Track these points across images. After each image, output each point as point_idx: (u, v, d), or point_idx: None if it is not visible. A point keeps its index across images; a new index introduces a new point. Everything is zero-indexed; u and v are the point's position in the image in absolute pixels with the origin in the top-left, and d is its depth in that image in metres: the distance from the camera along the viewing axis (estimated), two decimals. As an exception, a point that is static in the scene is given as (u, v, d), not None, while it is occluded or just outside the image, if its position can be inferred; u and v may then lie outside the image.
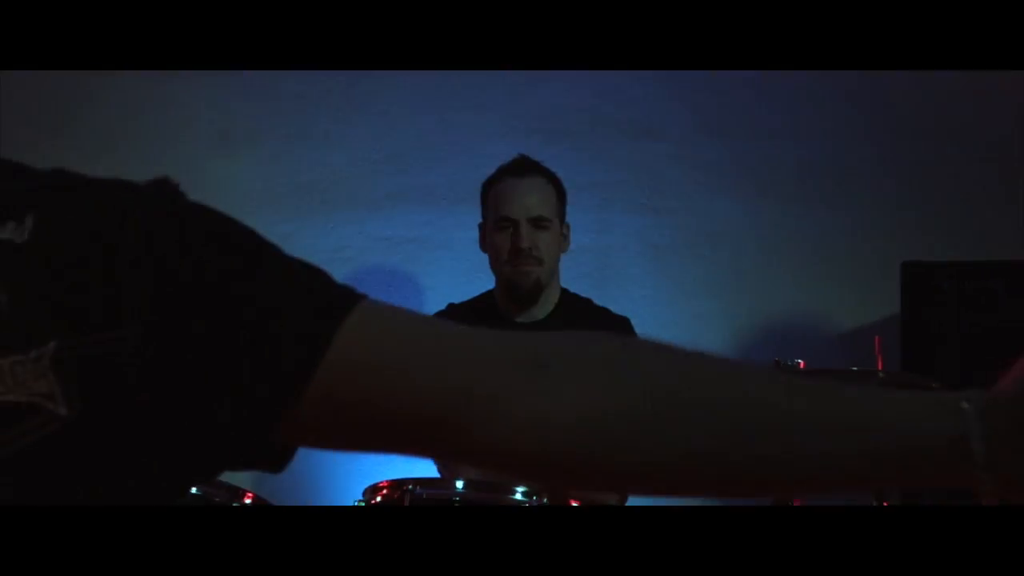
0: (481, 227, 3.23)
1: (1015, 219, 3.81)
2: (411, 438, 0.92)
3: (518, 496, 2.17)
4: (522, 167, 3.20)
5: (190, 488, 0.95)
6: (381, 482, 2.24)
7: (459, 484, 2.23)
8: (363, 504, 2.18)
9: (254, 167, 3.84)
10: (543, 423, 0.87)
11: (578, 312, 3.18)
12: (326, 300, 0.91)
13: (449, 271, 3.74)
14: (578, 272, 3.50)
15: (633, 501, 2.97)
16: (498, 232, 3.14)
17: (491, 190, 3.21)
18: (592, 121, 4.06)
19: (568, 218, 3.29)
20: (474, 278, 3.31)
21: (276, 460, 0.93)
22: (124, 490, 0.85)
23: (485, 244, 3.20)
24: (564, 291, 3.25)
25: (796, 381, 0.94)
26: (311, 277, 0.92)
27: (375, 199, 3.86)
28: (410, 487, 2.15)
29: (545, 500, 2.13)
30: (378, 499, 2.18)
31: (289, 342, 0.88)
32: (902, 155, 3.95)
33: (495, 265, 3.16)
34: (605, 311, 3.16)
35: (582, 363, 0.90)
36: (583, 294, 3.31)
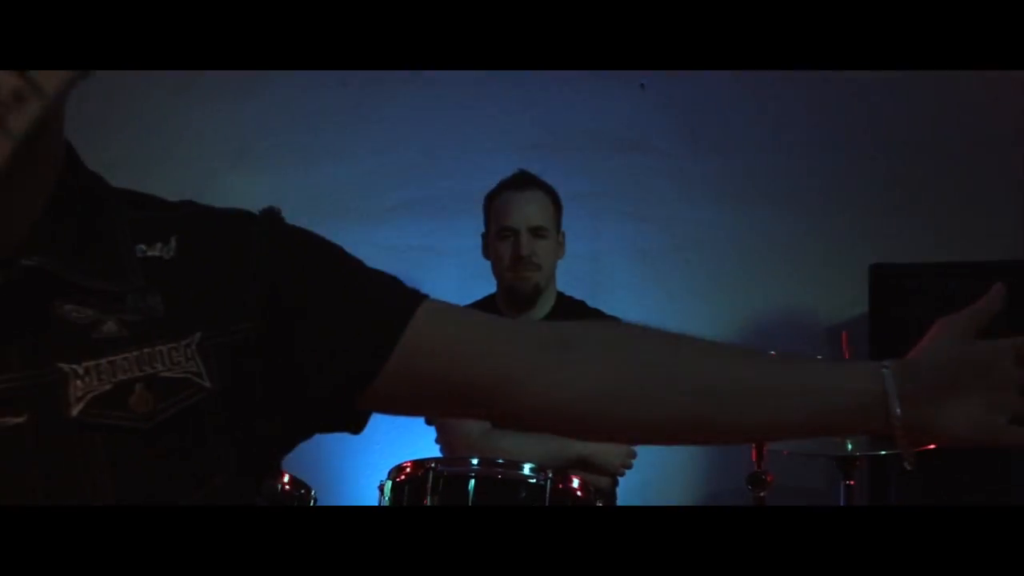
0: (484, 236, 3.32)
1: (976, 223, 3.93)
2: (468, 402, 1.19)
3: (525, 471, 2.35)
4: (522, 181, 3.30)
5: (294, 446, 1.20)
6: (405, 462, 2.41)
7: (474, 461, 2.41)
8: (389, 482, 2.37)
9: (270, 181, 3.93)
10: (568, 389, 1.14)
11: (573, 313, 3.24)
12: (399, 299, 1.17)
13: (452, 277, 3.80)
14: (572, 276, 3.55)
15: (631, 497, 3.20)
16: (500, 241, 3.23)
17: (493, 202, 3.31)
18: (584, 136, 4.15)
19: (563, 227, 3.38)
20: (475, 283, 3.40)
21: (357, 424, 1.19)
22: (248, 443, 1.12)
23: (488, 252, 3.29)
24: (560, 294, 3.33)
25: (760, 356, 1.22)
26: (386, 283, 1.19)
27: (382, 210, 3.94)
28: (432, 465, 2.33)
29: (550, 475, 2.31)
30: (403, 477, 2.35)
31: (371, 332, 1.14)
32: (870, 166, 4.04)
33: (497, 271, 3.25)
34: (597, 312, 3.23)
35: (596, 345, 1.18)
36: (577, 296, 3.38)
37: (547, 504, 2.27)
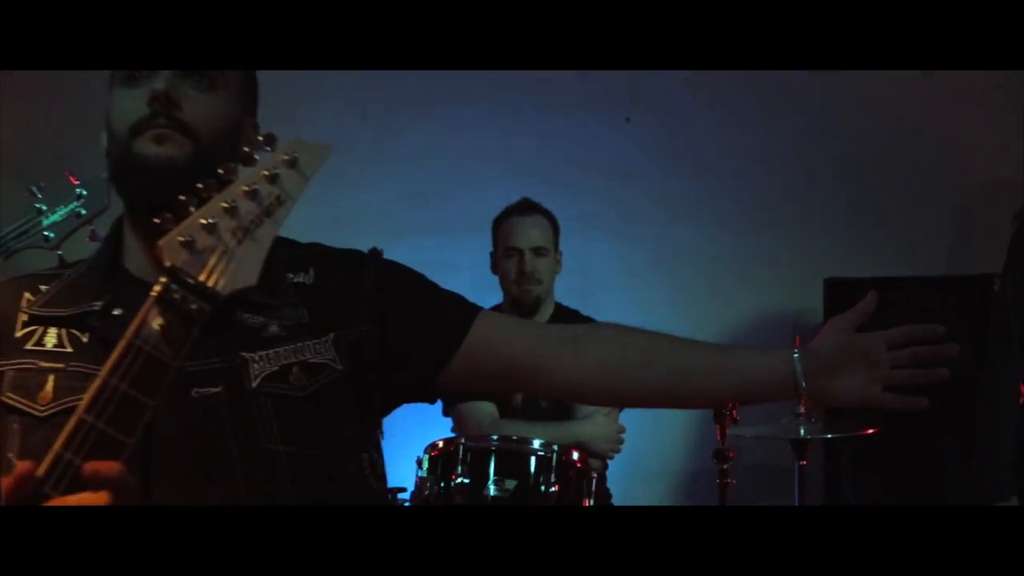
0: (492, 255, 3.60)
1: (918, 242, 4.22)
2: (513, 380, 1.70)
3: (535, 446, 2.74)
4: (525, 207, 3.59)
5: (392, 411, 1.68)
6: (438, 440, 2.81)
7: (494, 437, 2.81)
8: (426, 456, 2.77)
9: (297, 205, 4.20)
10: (583, 371, 1.64)
11: (569, 321, 3.41)
12: (464, 309, 1.67)
13: (460, 290, 4.00)
14: (567, 289, 3.76)
15: (618, 468, 3.45)
16: (506, 259, 3.54)
17: (500, 225, 3.59)
18: (575, 165, 4.37)
19: (559, 246, 3.63)
20: (484, 294, 3.39)
21: (431, 398, 1.69)
22: (365, 408, 1.59)
23: (496, 268, 3.59)
24: (557, 304, 3.60)
25: (713, 347, 1.70)
26: (455, 298, 1.69)
27: (398, 229, 4.07)
28: (461, 441, 2.74)
29: (555, 448, 2.71)
30: (436, 452, 2.75)
31: (445, 332, 1.63)
32: (827, 192, 4.31)
33: (504, 285, 3.54)
34: (589, 319, 3.40)
35: (600, 340, 1.68)
36: (572, 306, 3.63)
37: (553, 469, 2.68)
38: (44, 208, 2.43)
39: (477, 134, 4.35)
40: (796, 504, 3.21)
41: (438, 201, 4.25)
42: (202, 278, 1.19)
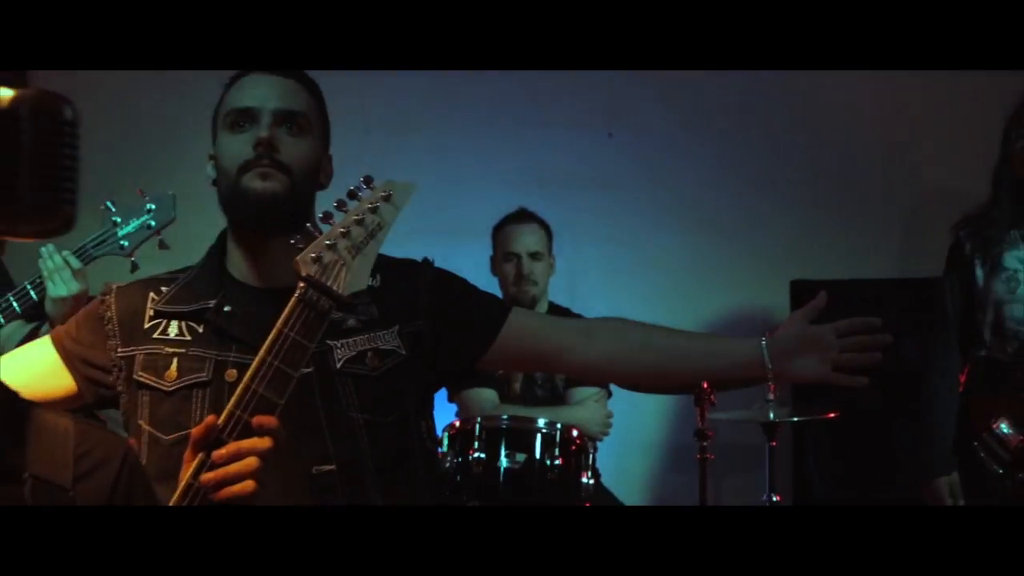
0: (492, 258, 3.89)
1: (876, 246, 4.40)
2: (540, 364, 2.09)
3: (540, 424, 3.07)
4: (522, 216, 3.89)
5: (441, 387, 2.06)
6: (455, 421, 3.13)
7: (504, 416, 3.15)
8: (445, 435, 3.07)
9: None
10: (595, 355, 2.00)
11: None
12: (499, 307, 2.03)
13: None
14: (558, 289, 3.99)
15: (608, 445, 3.66)
16: (506, 263, 3.84)
17: (500, 232, 3.89)
18: (564, 176, 4.55)
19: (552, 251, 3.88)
20: None
21: (474, 377, 2.09)
22: (422, 387, 1.96)
23: (496, 270, 3.88)
24: (551, 303, 3.87)
25: (697, 335, 2.09)
26: (491, 298, 2.06)
27: (403, 234, 3.93)
28: (477, 421, 3.07)
29: (559, 425, 3.04)
30: (454, 431, 3.06)
31: (483, 326, 1.99)
32: (793, 201, 4.50)
33: (503, 286, 3.80)
34: (580, 316, 3.48)
35: (607, 331, 2.04)
36: (563, 304, 3.87)
37: (556, 445, 3.03)
38: (119, 220, 2.72)
39: (476, 148, 4.55)
40: (767, 478, 3.54)
41: (440, 208, 4.26)
42: (329, 283, 1.58)
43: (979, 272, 3.27)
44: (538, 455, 3.08)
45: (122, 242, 2.72)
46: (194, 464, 1.51)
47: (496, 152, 4.58)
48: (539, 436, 3.10)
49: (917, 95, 4.38)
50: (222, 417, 1.52)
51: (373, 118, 4.44)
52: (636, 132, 4.63)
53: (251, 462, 1.50)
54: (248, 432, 1.51)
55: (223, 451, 1.50)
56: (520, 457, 3.05)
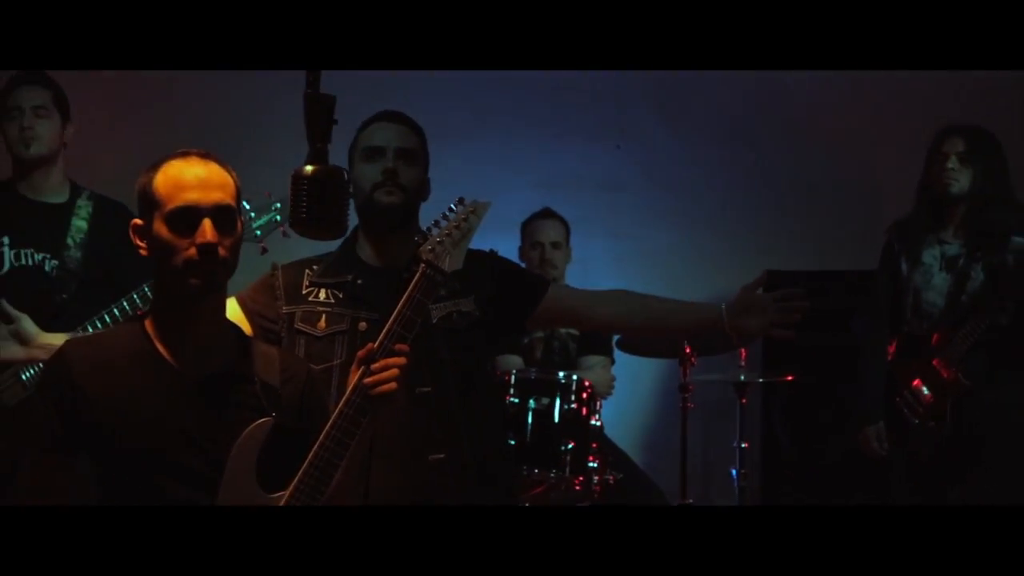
0: (520, 248, 4.55)
1: (849, 240, 4.76)
2: (570, 320, 3.00)
3: (560, 376, 3.78)
4: (546, 213, 4.54)
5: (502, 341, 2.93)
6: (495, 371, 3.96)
7: (532, 369, 3.93)
8: None
9: None
10: (606, 315, 2.88)
11: None
12: (541, 283, 2.88)
13: None
14: (572, 275, 4.48)
15: (611, 400, 4.30)
16: (532, 251, 4.51)
17: (528, 226, 4.56)
18: (577, 180, 5.01)
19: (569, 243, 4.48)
20: None
21: (524, 335, 2.99)
22: (489, 340, 2.81)
23: (523, 258, 4.53)
24: (567, 286, 4.28)
25: (677, 301, 2.89)
26: (535, 276, 2.96)
27: None
28: (513, 371, 3.80)
29: (574, 378, 3.74)
30: (495, 381, 3.82)
31: (531, 296, 2.84)
32: (773, 204, 4.95)
33: (529, 270, 4.26)
34: None
35: (613, 296, 2.88)
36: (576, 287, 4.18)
37: (572, 392, 3.76)
38: (253, 215, 3.26)
39: (504, 155, 5.01)
40: (738, 428, 4.29)
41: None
42: (441, 265, 2.45)
43: (904, 266, 3.93)
44: (558, 400, 3.80)
45: (256, 232, 3.29)
46: (359, 373, 2.28)
47: (522, 159, 5.09)
48: (559, 385, 3.84)
49: (893, 99, 4.74)
50: (376, 344, 2.28)
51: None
52: (639, 146, 5.13)
53: (394, 372, 2.23)
54: (391, 355, 2.26)
55: (378, 363, 2.24)
56: (544, 400, 3.75)
